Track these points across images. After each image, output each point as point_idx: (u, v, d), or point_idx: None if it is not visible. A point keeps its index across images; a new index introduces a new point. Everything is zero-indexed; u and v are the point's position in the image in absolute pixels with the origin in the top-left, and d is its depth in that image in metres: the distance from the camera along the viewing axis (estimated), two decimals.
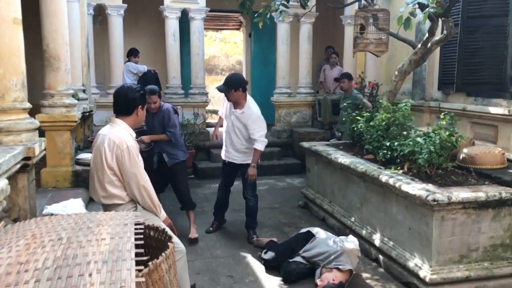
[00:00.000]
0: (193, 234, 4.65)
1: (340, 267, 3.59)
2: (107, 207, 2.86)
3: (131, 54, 8.01)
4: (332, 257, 3.65)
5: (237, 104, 4.47)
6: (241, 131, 4.53)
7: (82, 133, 5.82)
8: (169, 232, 2.48)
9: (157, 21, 8.97)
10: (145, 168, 2.91)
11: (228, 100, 4.49)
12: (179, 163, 4.66)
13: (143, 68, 8.01)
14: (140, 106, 2.93)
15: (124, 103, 2.88)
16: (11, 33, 2.88)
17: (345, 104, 6.07)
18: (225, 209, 5.01)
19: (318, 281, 3.57)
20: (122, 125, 2.87)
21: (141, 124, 3.47)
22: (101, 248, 1.61)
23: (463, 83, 5.63)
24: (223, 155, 4.79)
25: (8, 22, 2.86)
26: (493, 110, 5.01)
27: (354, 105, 6.01)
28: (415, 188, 3.50)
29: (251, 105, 4.48)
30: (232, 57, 20.52)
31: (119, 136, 2.78)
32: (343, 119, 6.20)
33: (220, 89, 4.43)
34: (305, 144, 5.84)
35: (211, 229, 4.89)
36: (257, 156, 4.51)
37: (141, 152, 4.49)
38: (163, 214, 2.99)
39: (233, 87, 4.36)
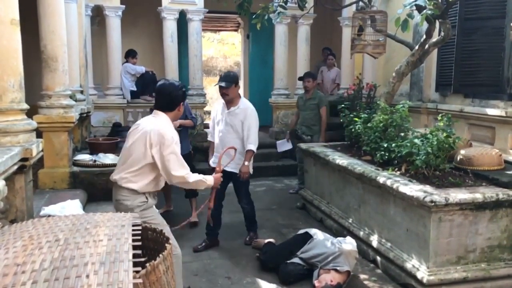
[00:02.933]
0: (194, 218, 5.04)
1: (338, 268, 3.59)
2: (119, 190, 2.93)
3: (129, 55, 8.00)
4: (330, 258, 3.65)
5: (231, 102, 4.38)
6: (235, 129, 4.37)
7: (80, 134, 5.79)
8: (167, 233, 2.48)
9: (155, 22, 8.97)
10: None
11: (227, 97, 4.32)
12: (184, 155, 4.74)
13: (141, 69, 8.00)
14: (182, 102, 3.11)
15: (168, 100, 3.05)
16: (9, 34, 2.87)
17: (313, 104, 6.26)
18: (218, 228, 4.55)
19: (316, 282, 3.57)
20: (164, 117, 3.02)
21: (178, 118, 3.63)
22: (99, 250, 1.61)
23: (461, 84, 5.64)
24: (211, 161, 4.60)
25: (6, 23, 2.85)
26: (490, 111, 5.02)
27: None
28: (413, 189, 3.51)
29: (244, 101, 4.46)
30: (230, 58, 20.50)
31: (163, 127, 2.92)
32: (310, 123, 6.28)
33: (223, 85, 4.23)
34: (303, 145, 5.85)
35: (199, 247, 4.43)
36: (249, 155, 4.37)
37: None
38: (210, 178, 3.11)
39: (233, 81, 4.32)
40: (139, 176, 2.91)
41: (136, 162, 2.90)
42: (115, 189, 2.99)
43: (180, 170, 2.90)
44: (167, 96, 3.03)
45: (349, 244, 3.74)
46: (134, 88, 8.03)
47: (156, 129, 2.88)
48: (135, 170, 2.90)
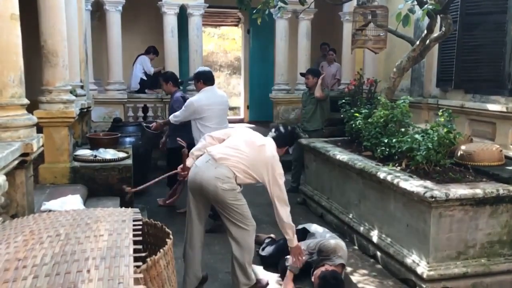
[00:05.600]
0: (161, 201, 5.56)
1: (329, 263, 3.58)
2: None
3: (150, 51, 8.13)
4: (320, 258, 3.66)
5: None
6: None
7: (80, 129, 5.78)
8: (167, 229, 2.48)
9: (155, 17, 8.95)
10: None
11: None
12: (174, 148, 4.86)
13: (149, 69, 8.18)
14: (288, 147, 3.72)
15: (282, 137, 3.58)
16: (8, 29, 2.87)
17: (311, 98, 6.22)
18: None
19: (313, 278, 3.58)
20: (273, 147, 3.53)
21: None
22: (99, 245, 1.61)
23: (461, 80, 5.63)
24: None
25: (6, 18, 2.84)
26: (491, 107, 5.02)
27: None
28: (413, 185, 3.51)
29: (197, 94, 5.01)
30: (231, 53, 20.46)
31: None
32: (310, 117, 6.25)
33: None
34: (304, 141, 5.84)
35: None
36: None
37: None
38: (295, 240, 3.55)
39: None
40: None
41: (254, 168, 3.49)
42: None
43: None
44: (285, 132, 3.55)
45: (331, 239, 3.73)
46: (144, 77, 8.14)
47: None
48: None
